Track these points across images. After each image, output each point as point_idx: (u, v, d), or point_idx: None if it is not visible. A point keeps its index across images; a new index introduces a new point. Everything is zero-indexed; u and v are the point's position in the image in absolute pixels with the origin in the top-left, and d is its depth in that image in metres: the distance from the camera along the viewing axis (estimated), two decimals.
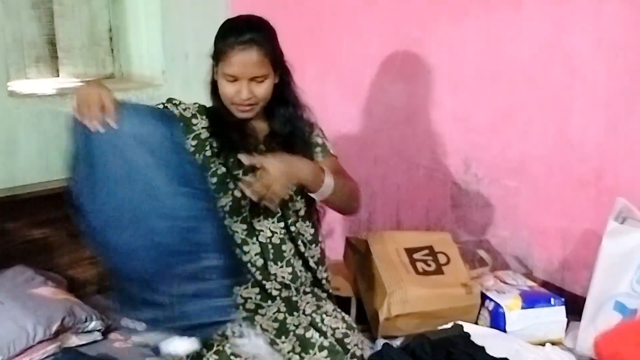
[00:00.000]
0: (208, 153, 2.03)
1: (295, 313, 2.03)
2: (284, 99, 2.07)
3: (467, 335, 2.06)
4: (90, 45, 3.18)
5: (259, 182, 1.83)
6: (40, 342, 2.26)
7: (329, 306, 2.08)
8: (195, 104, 2.11)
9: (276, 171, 1.84)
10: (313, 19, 3.13)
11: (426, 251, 2.50)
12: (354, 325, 2.08)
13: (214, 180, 2.01)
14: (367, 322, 2.40)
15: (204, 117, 2.08)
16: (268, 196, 1.84)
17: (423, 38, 2.81)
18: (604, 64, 2.38)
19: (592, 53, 2.40)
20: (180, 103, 2.08)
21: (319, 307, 2.07)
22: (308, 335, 1.97)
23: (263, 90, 1.98)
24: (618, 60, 2.35)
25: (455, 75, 2.75)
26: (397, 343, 2.17)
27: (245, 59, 1.92)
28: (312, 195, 1.98)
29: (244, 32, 1.94)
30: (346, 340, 1.99)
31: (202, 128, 2.06)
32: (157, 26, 3.14)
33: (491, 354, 1.98)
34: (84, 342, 2.36)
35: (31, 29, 2.98)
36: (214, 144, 2.04)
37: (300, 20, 3.15)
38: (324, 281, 2.18)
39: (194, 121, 2.06)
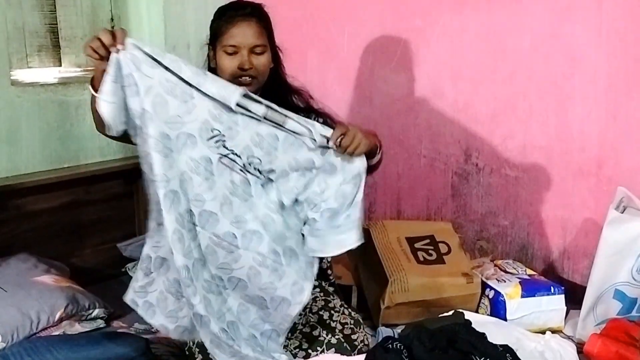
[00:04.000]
0: None
1: (302, 312, 2.03)
2: (276, 86, 2.08)
3: (468, 322, 2.06)
4: (92, 34, 3.16)
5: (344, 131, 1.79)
6: (44, 329, 2.27)
7: (336, 301, 2.10)
8: None
9: (354, 128, 1.81)
10: (315, 9, 3.13)
11: (427, 240, 2.51)
12: (361, 321, 2.09)
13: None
14: (368, 311, 2.41)
15: None
16: (355, 143, 1.78)
17: (424, 28, 2.81)
18: (604, 53, 2.38)
19: (593, 43, 2.40)
20: None
21: (326, 302, 2.08)
22: (315, 333, 1.98)
23: (262, 62, 2.02)
24: (618, 50, 2.35)
25: (456, 65, 2.76)
26: (397, 331, 2.18)
27: (246, 28, 1.99)
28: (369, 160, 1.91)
29: (244, 6, 2.05)
30: (353, 336, 2.01)
31: None
32: (158, 15, 3.13)
33: (492, 342, 1.99)
34: (87, 329, 2.36)
35: (33, 18, 2.97)
36: None
37: (302, 10, 3.15)
38: (329, 271, 2.19)
39: None
